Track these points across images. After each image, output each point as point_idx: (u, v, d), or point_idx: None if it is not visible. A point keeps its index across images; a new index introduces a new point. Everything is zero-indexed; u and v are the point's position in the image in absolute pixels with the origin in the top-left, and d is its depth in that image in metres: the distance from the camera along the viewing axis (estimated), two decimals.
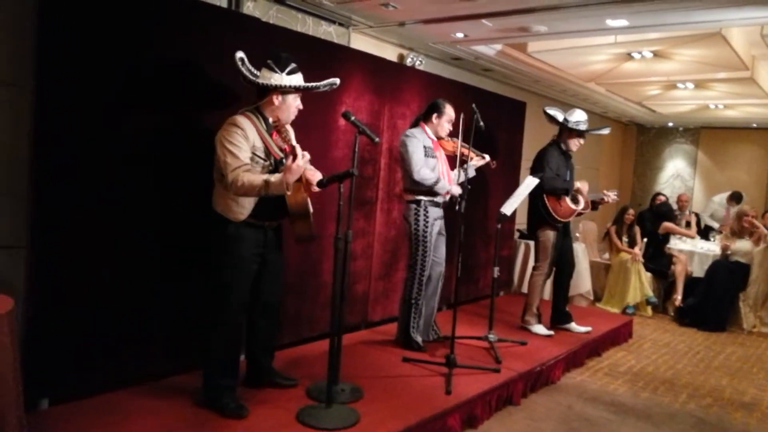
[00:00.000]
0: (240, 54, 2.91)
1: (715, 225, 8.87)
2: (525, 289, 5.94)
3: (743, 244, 6.69)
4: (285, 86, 2.93)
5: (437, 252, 4.23)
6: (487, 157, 4.29)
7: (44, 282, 2.76)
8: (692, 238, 7.64)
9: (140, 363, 3.15)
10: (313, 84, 3.03)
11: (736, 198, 8.79)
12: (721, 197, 9.19)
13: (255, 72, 2.96)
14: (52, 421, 2.69)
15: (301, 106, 3.07)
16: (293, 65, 2.95)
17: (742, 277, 6.62)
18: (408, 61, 5.73)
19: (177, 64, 3.15)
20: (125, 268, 3.03)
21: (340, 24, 4.89)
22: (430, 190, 4.06)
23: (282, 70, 2.92)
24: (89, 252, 2.88)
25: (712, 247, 7.59)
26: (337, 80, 3.14)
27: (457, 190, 4.07)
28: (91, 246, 2.89)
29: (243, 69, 2.92)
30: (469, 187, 3.91)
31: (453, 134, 4.22)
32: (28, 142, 2.77)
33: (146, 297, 3.12)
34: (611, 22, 4.58)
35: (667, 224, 7.22)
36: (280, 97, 2.95)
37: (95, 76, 2.83)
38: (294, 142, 2.92)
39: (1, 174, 2.82)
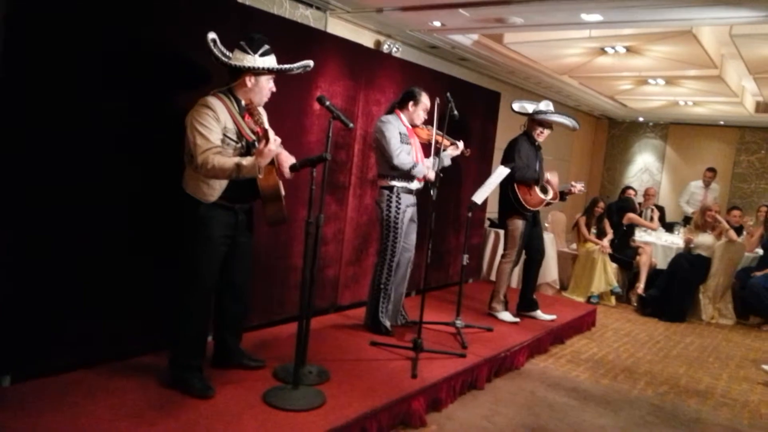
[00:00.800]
0: (212, 35, 2.88)
1: (689, 210, 9.02)
2: (493, 276, 6.04)
3: (706, 238, 6.88)
4: (258, 68, 2.91)
5: (407, 238, 4.28)
6: (461, 144, 4.34)
7: (9, 258, 2.73)
8: (653, 230, 7.83)
9: (106, 342, 3.14)
10: (286, 66, 3.02)
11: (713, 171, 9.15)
12: (697, 182, 9.39)
13: (227, 53, 2.94)
14: (14, 398, 2.67)
15: (274, 89, 3.06)
16: (266, 47, 2.94)
17: (703, 270, 6.82)
18: (384, 48, 5.73)
19: (149, 44, 3.11)
20: (92, 247, 3.00)
21: (318, 8, 4.87)
22: (405, 176, 4.09)
23: (255, 52, 2.90)
24: (55, 229, 2.85)
25: (676, 240, 7.79)
26: (311, 63, 3.12)
27: (432, 175, 4.11)
28: (57, 223, 2.85)
29: (215, 50, 2.89)
30: (441, 175, 3.96)
31: (428, 122, 4.25)
32: None
33: (114, 276, 3.10)
34: (586, 17, 4.65)
35: (631, 215, 7.37)
36: (252, 79, 2.94)
37: (63, 53, 2.78)
38: (266, 125, 2.91)
39: None
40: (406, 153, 4.05)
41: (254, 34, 2.96)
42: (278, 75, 3.06)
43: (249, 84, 2.94)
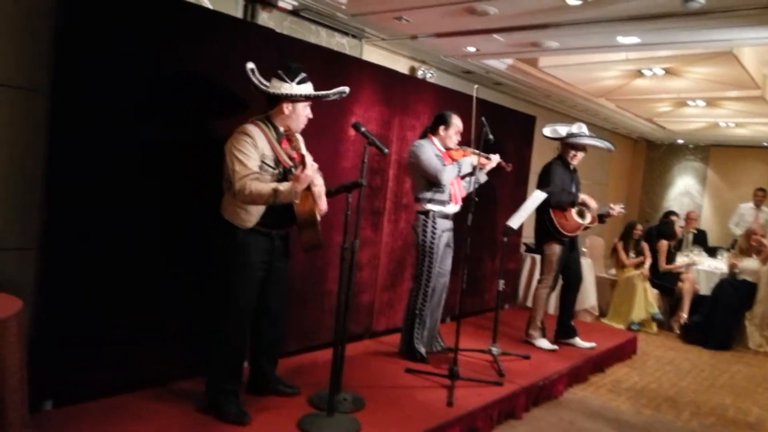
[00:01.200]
0: (250, 65, 2.95)
1: (738, 232, 8.69)
2: (530, 302, 5.93)
3: (751, 263, 6.66)
4: (294, 95, 2.96)
5: (443, 263, 4.24)
6: (494, 157, 4.26)
7: (52, 284, 2.80)
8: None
9: (145, 367, 3.18)
10: (323, 93, 3.07)
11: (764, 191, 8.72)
12: (747, 204, 9.06)
13: (265, 82, 3.00)
14: (56, 422, 2.72)
15: (310, 115, 3.11)
16: (303, 75, 2.99)
17: (748, 296, 6.58)
18: (419, 74, 5.76)
19: (191, 73, 3.20)
20: (133, 273, 3.06)
21: (353, 36, 4.93)
22: (441, 200, 4.07)
23: (292, 80, 2.95)
24: (97, 256, 2.92)
25: (719, 265, 7.55)
26: (347, 89, 3.17)
27: (468, 168, 4.08)
28: (99, 250, 2.92)
29: (254, 79, 2.96)
30: (476, 199, 3.92)
31: (461, 144, 4.24)
32: (43, 146, 2.82)
33: (153, 301, 3.15)
34: (622, 39, 4.60)
35: (661, 243, 7.16)
36: (290, 106, 2.99)
37: (110, 82, 2.87)
38: (304, 150, 2.95)
39: (14, 177, 2.86)
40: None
41: (291, 63, 3.02)
42: (314, 101, 3.10)
43: (286, 111, 2.99)
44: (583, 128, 4.95)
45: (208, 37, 3.27)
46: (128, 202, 3.01)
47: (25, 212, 2.88)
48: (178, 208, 3.21)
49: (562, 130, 4.98)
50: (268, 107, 3.01)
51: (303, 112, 3.06)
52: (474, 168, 4.09)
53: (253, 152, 2.86)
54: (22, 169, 2.87)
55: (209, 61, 3.27)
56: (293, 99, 2.98)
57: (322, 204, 3.08)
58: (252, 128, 2.90)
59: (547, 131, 5.03)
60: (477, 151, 4.09)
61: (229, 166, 2.84)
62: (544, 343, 4.95)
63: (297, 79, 2.97)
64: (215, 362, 3.00)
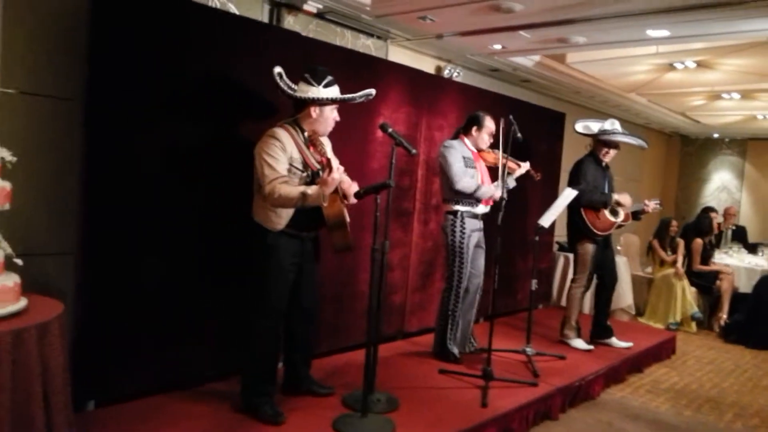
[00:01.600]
0: (278, 69, 2.99)
1: None
2: (564, 302, 5.85)
3: None
4: (321, 98, 2.98)
5: (475, 264, 4.22)
6: (525, 165, 4.25)
7: (92, 288, 2.87)
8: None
9: (183, 368, 3.23)
10: (349, 95, 3.08)
11: None
12: None
13: (293, 86, 3.03)
14: (98, 422, 2.78)
15: (338, 118, 3.13)
16: (330, 78, 3.01)
17: None
18: (445, 73, 5.75)
19: (220, 78, 3.25)
20: (169, 275, 3.12)
21: (378, 37, 4.95)
22: (470, 201, 4.06)
23: (318, 83, 2.98)
24: (135, 259, 2.99)
25: (761, 262, 7.35)
26: (373, 91, 3.17)
27: (499, 193, 4.03)
28: (136, 253, 2.99)
29: (281, 83, 2.99)
30: (506, 199, 3.89)
31: (493, 146, 4.21)
32: (80, 153, 2.90)
33: (189, 303, 3.21)
34: (652, 33, 4.52)
35: (696, 242, 6.98)
36: (317, 110, 3.01)
37: (142, 89, 2.94)
38: (330, 154, 2.96)
39: (52, 183, 2.95)
40: (469, 177, 4.02)
41: (318, 66, 3.04)
42: (342, 104, 3.12)
43: (314, 114, 3.01)
44: (616, 125, 4.87)
45: (235, 43, 3.32)
46: (163, 206, 3.07)
47: (64, 218, 2.96)
48: (212, 211, 3.27)
49: (594, 126, 4.91)
50: (295, 111, 3.04)
51: (330, 115, 3.08)
52: (504, 171, 4.05)
53: (282, 156, 2.89)
54: (59, 176, 2.96)
55: (238, 67, 3.32)
56: (320, 103, 3.00)
57: (351, 192, 3.09)
58: (281, 132, 2.93)
59: (579, 127, 4.96)
60: (508, 156, 4.05)
61: (259, 170, 2.88)
62: (579, 343, 4.87)
63: (323, 83, 2.99)
64: (250, 363, 3.04)
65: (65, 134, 2.96)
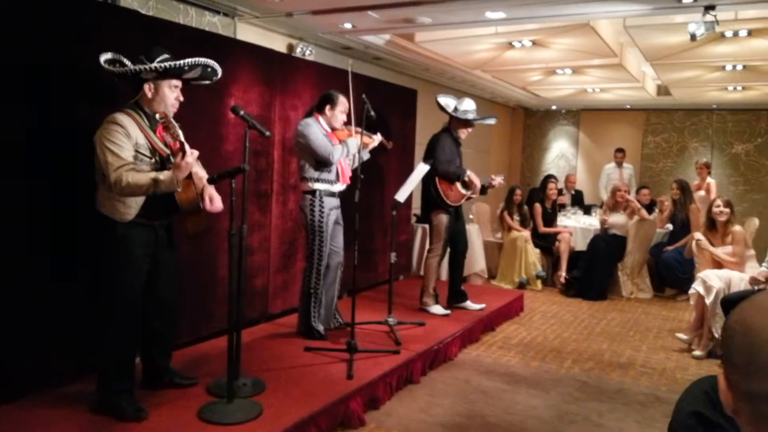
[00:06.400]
0: (103, 56, 2.80)
1: (605, 195, 9.22)
2: (423, 272, 6.14)
3: (619, 218, 7.25)
4: (147, 68, 2.81)
5: (335, 241, 4.30)
6: (377, 137, 4.39)
7: None
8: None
9: (33, 371, 3.01)
10: (175, 63, 2.83)
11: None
12: (610, 164, 9.76)
13: (132, 67, 2.86)
14: None
15: (180, 98, 2.99)
16: (165, 56, 2.87)
17: (619, 249, 7.18)
18: (298, 51, 5.71)
19: (52, 60, 3.00)
20: (10, 275, 2.88)
21: (225, 14, 4.80)
22: (329, 179, 4.12)
23: (151, 62, 2.83)
24: None
25: (593, 222, 8.15)
26: (208, 60, 2.96)
27: (354, 151, 4.17)
28: None
29: (108, 68, 2.82)
30: (362, 176, 4.00)
31: (346, 124, 4.29)
32: None
33: (35, 303, 2.98)
34: (491, 14, 4.81)
35: (536, 207, 7.64)
36: (152, 87, 2.87)
37: None
38: (182, 138, 2.86)
39: None
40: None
41: (153, 47, 2.90)
42: (187, 85, 3.00)
43: (149, 93, 2.87)
44: (473, 105, 5.16)
45: (68, 23, 3.07)
46: None
47: None
48: (48, 205, 3.03)
49: (452, 104, 5.16)
50: (132, 93, 2.89)
51: (169, 94, 2.92)
52: (358, 147, 4.16)
53: (126, 141, 2.74)
54: None
55: (72, 48, 3.08)
56: (151, 77, 2.85)
57: (216, 203, 3.02)
58: (121, 116, 2.78)
59: (441, 100, 5.18)
60: (361, 130, 4.16)
61: (102, 158, 2.71)
62: (437, 309, 5.16)
63: (157, 60, 2.85)
64: (105, 361, 2.90)
65: None
